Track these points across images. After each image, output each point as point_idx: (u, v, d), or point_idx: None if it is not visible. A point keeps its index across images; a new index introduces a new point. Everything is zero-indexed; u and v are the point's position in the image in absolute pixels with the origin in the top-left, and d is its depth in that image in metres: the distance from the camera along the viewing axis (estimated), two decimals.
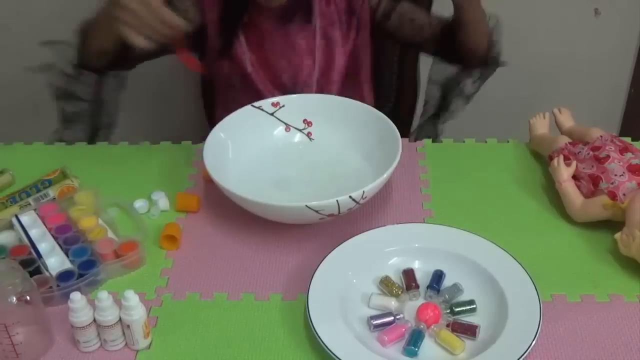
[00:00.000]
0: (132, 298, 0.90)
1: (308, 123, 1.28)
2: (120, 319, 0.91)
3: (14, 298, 0.89)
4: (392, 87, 1.58)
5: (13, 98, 2.07)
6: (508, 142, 1.34)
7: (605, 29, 1.94)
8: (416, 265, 1.03)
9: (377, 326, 0.94)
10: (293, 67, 1.37)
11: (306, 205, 1.01)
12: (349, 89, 1.41)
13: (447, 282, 1.01)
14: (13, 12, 1.93)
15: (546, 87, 2.03)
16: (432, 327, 0.94)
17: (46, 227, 1.10)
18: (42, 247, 1.06)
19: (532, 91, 2.03)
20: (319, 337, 0.90)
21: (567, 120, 1.30)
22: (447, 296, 0.99)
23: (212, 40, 1.39)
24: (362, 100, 1.33)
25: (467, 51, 1.32)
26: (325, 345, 0.89)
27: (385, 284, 1.00)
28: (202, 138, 1.19)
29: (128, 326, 0.91)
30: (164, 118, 2.08)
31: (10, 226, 1.11)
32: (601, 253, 1.07)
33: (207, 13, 1.37)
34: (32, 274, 1.01)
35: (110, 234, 1.09)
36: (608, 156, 1.11)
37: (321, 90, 1.38)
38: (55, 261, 1.04)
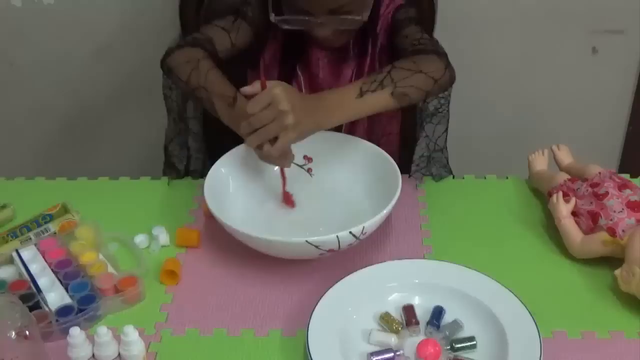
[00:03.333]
0: (131, 333, 0.90)
1: (308, 159, 1.29)
2: (119, 355, 0.91)
3: (13, 333, 0.88)
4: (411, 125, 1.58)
5: (19, 134, 2.08)
6: (507, 178, 1.34)
7: (604, 66, 1.95)
8: (416, 301, 1.03)
9: None
10: None
11: (306, 241, 1.01)
12: (377, 123, 1.43)
13: (447, 318, 1.01)
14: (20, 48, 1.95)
15: (545, 124, 2.04)
16: None
17: (46, 261, 1.10)
18: (42, 281, 1.06)
19: (531, 128, 2.04)
20: None
21: (565, 157, 1.31)
22: (447, 332, 0.98)
23: (268, 66, 1.41)
24: (390, 137, 1.36)
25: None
26: None
27: (386, 320, 1.00)
28: (203, 173, 1.19)
29: None
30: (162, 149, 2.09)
31: (11, 261, 1.11)
32: (601, 289, 1.07)
33: (269, 47, 1.39)
34: (31, 308, 1.01)
35: (110, 269, 1.09)
36: (607, 193, 1.12)
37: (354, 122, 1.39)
38: (55, 296, 1.04)
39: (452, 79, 1.23)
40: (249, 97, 1.09)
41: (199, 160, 1.36)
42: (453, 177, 1.34)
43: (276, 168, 1.22)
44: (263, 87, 1.08)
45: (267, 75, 1.39)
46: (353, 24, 1.25)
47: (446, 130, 1.32)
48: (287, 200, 1.23)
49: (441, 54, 1.23)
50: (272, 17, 1.25)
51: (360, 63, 1.39)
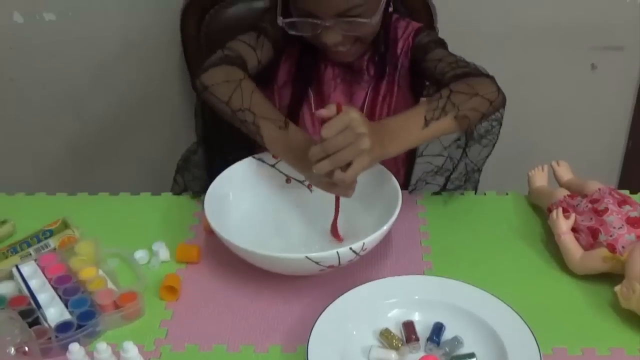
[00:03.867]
0: (130, 350, 0.90)
1: None
2: None
3: (13, 349, 0.88)
4: None
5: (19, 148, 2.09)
6: (507, 194, 1.35)
7: (603, 83, 1.96)
8: (416, 317, 1.03)
9: None
10: None
11: (306, 257, 1.01)
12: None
13: (447, 335, 1.00)
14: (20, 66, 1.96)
15: (545, 140, 2.05)
16: None
17: (46, 277, 1.10)
18: (42, 297, 1.06)
19: (531, 144, 2.04)
20: None
21: (565, 172, 1.31)
22: (447, 349, 0.98)
23: (281, 86, 1.40)
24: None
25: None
26: None
27: (385, 337, 1.00)
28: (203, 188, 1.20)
29: None
30: (165, 168, 2.10)
31: (11, 276, 1.11)
32: (601, 306, 1.07)
33: (282, 67, 1.39)
34: (31, 324, 1.00)
35: (110, 285, 1.09)
36: (606, 209, 1.12)
37: None
38: (55, 312, 1.04)
39: (504, 100, 1.23)
40: (322, 120, 1.05)
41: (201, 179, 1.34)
42: (462, 194, 1.34)
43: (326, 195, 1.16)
44: (339, 110, 1.04)
45: (280, 94, 1.40)
46: (362, 28, 1.23)
47: (491, 153, 1.30)
48: (335, 234, 1.18)
49: (491, 77, 1.23)
50: (280, 21, 1.24)
51: (375, 85, 1.38)
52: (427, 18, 1.55)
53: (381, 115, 1.39)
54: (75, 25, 1.86)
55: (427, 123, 1.13)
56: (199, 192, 1.31)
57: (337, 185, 1.07)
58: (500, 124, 1.27)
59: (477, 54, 1.90)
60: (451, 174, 1.29)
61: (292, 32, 1.25)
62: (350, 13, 1.20)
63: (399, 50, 1.36)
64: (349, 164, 1.04)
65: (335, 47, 1.26)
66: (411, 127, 1.13)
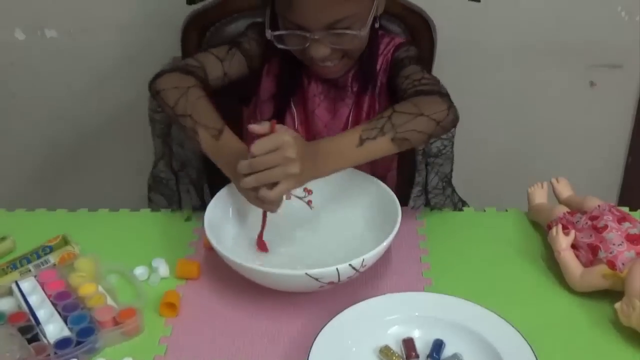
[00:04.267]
0: None
1: (308, 191, 1.29)
2: None
3: None
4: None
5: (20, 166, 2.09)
6: (507, 211, 1.35)
7: (602, 100, 1.97)
8: (416, 334, 1.03)
9: None
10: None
11: (306, 273, 1.01)
12: (381, 165, 1.42)
13: (447, 352, 1.00)
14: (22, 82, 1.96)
15: (544, 157, 2.05)
16: None
17: (46, 293, 1.09)
18: (41, 314, 1.06)
19: (530, 161, 2.05)
20: None
21: (565, 189, 1.32)
22: None
23: (262, 103, 1.40)
24: (384, 167, 1.37)
25: None
26: None
27: (385, 354, 0.99)
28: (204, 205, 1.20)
29: None
30: None
31: (10, 292, 1.11)
32: (601, 323, 1.07)
33: (263, 82, 1.39)
34: (30, 340, 1.00)
35: (109, 301, 1.09)
36: (606, 226, 1.12)
37: None
38: (54, 328, 1.03)
39: (455, 120, 1.20)
40: (239, 132, 1.07)
41: (186, 190, 1.36)
42: (462, 208, 1.34)
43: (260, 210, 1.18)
44: (272, 129, 1.05)
45: (261, 110, 1.40)
46: (351, 41, 1.22)
47: (451, 170, 1.31)
48: (262, 246, 1.20)
49: (443, 95, 1.21)
50: (269, 34, 1.24)
51: (358, 101, 1.38)
52: (427, 36, 1.56)
53: None
54: (76, 42, 1.87)
55: (361, 142, 1.12)
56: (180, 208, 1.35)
57: (268, 202, 1.09)
58: (452, 144, 1.27)
59: (477, 72, 1.92)
60: (425, 187, 1.30)
61: (281, 46, 1.26)
62: (339, 25, 1.19)
63: (378, 67, 1.36)
64: (275, 183, 1.05)
65: (322, 62, 1.25)
66: (346, 147, 1.13)
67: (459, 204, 1.35)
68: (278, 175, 1.04)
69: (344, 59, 1.27)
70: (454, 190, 1.35)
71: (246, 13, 1.59)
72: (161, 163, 1.35)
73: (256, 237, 1.19)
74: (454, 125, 1.21)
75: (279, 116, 1.38)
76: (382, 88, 1.37)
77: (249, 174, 1.05)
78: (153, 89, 1.24)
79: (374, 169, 1.36)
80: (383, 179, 1.28)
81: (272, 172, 1.04)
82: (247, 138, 1.29)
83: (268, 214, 1.16)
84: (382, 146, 1.13)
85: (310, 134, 1.39)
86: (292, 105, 1.39)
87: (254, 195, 1.09)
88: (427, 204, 1.34)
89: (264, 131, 1.05)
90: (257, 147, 1.03)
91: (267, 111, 1.40)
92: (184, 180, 1.36)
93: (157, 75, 1.25)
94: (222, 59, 1.31)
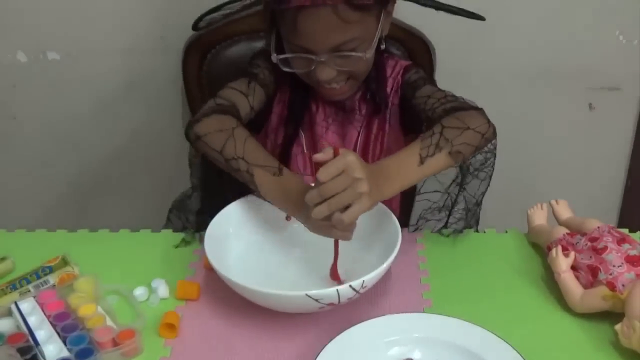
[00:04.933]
0: None
1: None
2: None
3: None
4: None
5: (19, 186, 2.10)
6: (506, 232, 1.35)
7: (601, 122, 1.98)
8: (416, 355, 1.03)
9: None
10: None
11: (306, 294, 1.01)
12: None
13: None
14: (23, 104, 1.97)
15: (543, 179, 2.06)
16: None
17: (45, 314, 1.09)
18: (40, 334, 1.05)
19: (530, 183, 2.05)
20: None
21: (564, 211, 1.32)
22: None
23: (274, 129, 1.41)
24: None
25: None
26: None
27: None
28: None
29: None
30: (165, 205, 2.10)
31: (10, 313, 1.11)
32: (602, 344, 1.06)
33: (275, 109, 1.40)
34: None
35: (108, 322, 1.08)
36: (606, 247, 1.12)
37: None
38: (53, 349, 1.03)
39: (495, 132, 1.24)
40: (318, 164, 1.04)
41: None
42: (462, 232, 1.34)
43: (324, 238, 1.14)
44: (336, 154, 1.04)
45: (274, 136, 1.40)
46: (356, 63, 1.23)
47: (489, 185, 1.30)
48: (336, 275, 1.17)
49: (479, 109, 1.24)
50: (274, 58, 1.25)
51: (367, 124, 1.39)
52: (427, 59, 1.57)
53: (374, 154, 1.39)
54: (78, 65, 1.88)
55: (422, 160, 1.13)
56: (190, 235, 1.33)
57: (336, 229, 1.07)
58: (495, 155, 1.28)
59: (476, 95, 1.92)
60: (451, 209, 1.29)
61: (286, 69, 1.26)
62: (345, 47, 1.20)
63: (388, 89, 1.37)
64: (347, 207, 1.03)
65: (328, 84, 1.26)
66: (407, 166, 1.13)
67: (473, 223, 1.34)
68: (349, 198, 1.02)
69: (349, 80, 1.29)
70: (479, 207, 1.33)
71: (246, 36, 1.61)
72: (194, 197, 1.32)
73: (330, 267, 1.16)
74: (495, 137, 1.25)
75: (289, 143, 1.38)
76: (393, 110, 1.38)
77: (319, 203, 1.03)
78: (193, 135, 1.21)
79: None
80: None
81: (342, 195, 1.02)
82: None
83: (340, 242, 1.14)
84: (440, 162, 1.15)
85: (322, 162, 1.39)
86: (301, 131, 1.39)
87: (326, 226, 1.07)
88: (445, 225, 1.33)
89: (328, 157, 1.04)
90: (323, 173, 1.01)
91: (277, 138, 1.40)
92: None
93: (195, 121, 1.22)
94: (246, 94, 1.30)
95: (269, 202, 1.19)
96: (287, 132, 1.39)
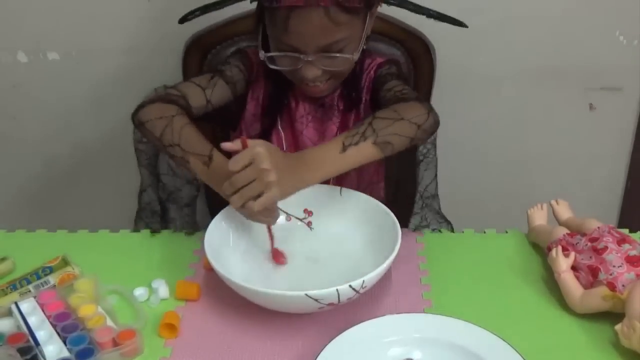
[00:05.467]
0: None
1: (308, 213, 1.29)
2: None
3: None
4: (394, 173, 1.59)
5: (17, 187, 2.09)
6: (507, 232, 1.35)
7: (601, 123, 1.98)
8: (416, 355, 1.03)
9: None
10: None
11: (306, 294, 1.01)
12: (364, 172, 1.44)
13: None
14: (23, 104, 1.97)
15: (544, 179, 2.06)
16: None
17: (45, 314, 1.09)
18: (40, 334, 1.05)
19: (530, 183, 2.05)
20: None
21: (564, 211, 1.32)
22: None
23: (248, 125, 1.42)
24: (376, 186, 1.38)
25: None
26: None
27: None
28: (204, 226, 1.20)
29: None
30: None
31: (10, 313, 1.11)
32: (602, 344, 1.06)
33: (248, 106, 1.41)
34: None
35: (109, 322, 1.08)
36: (606, 247, 1.12)
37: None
38: (53, 349, 1.03)
39: (436, 123, 1.23)
40: (229, 154, 1.10)
41: (184, 216, 1.36)
42: (452, 230, 1.35)
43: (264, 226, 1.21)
44: (244, 145, 1.08)
45: (248, 133, 1.41)
46: (343, 63, 1.26)
47: (435, 176, 1.31)
48: (277, 257, 1.22)
49: (422, 100, 1.24)
50: (262, 55, 1.27)
51: (344, 119, 1.40)
52: (427, 59, 1.57)
53: None
54: (78, 65, 1.88)
55: (344, 149, 1.14)
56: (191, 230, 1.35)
57: (260, 214, 1.11)
58: (435, 147, 1.29)
59: (477, 95, 1.93)
60: (413, 205, 1.32)
61: (272, 66, 1.28)
62: (333, 48, 1.22)
63: (362, 84, 1.39)
64: (259, 195, 1.07)
65: (313, 82, 1.28)
66: (329, 154, 1.14)
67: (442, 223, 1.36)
68: (257, 188, 1.07)
69: (330, 79, 1.31)
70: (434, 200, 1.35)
71: (246, 37, 1.61)
72: (148, 192, 1.37)
73: (269, 250, 1.21)
74: (436, 128, 1.24)
75: (266, 137, 1.40)
76: (366, 105, 1.40)
77: (234, 193, 1.08)
78: (137, 121, 1.25)
79: (360, 180, 1.38)
80: (370, 191, 1.30)
81: (251, 186, 1.07)
82: None
83: (273, 227, 1.19)
84: (365, 151, 1.15)
85: (295, 147, 1.42)
86: (280, 128, 1.41)
87: (245, 213, 1.12)
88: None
89: (236, 147, 1.08)
90: (232, 163, 1.07)
91: (254, 134, 1.42)
92: (173, 207, 1.37)
93: (140, 107, 1.26)
94: (204, 87, 1.32)
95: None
96: (262, 127, 1.41)
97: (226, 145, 1.10)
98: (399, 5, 1.34)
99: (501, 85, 1.91)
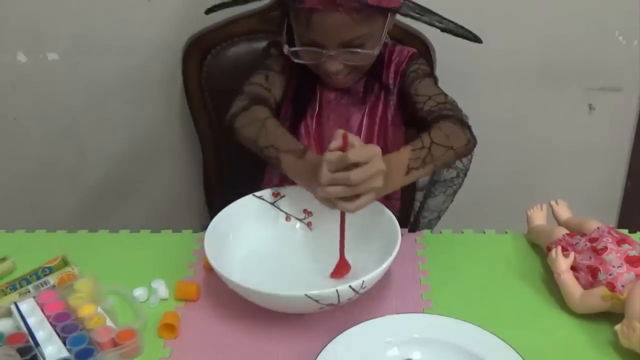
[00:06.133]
0: None
1: (308, 213, 1.29)
2: None
3: None
4: None
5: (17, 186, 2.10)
6: (506, 233, 1.35)
7: (601, 123, 1.98)
8: (416, 355, 1.03)
9: None
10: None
11: (306, 295, 1.01)
12: None
13: None
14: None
15: (543, 179, 2.06)
16: None
17: (45, 314, 1.09)
18: (40, 335, 1.05)
19: (529, 183, 2.05)
20: None
21: (564, 212, 1.32)
22: None
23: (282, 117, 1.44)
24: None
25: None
26: None
27: None
28: (203, 226, 1.20)
29: None
30: (165, 206, 2.10)
31: (9, 313, 1.11)
32: (602, 345, 1.06)
33: (285, 94, 1.43)
34: None
35: (108, 322, 1.08)
36: (605, 247, 1.12)
37: None
38: (52, 349, 1.03)
39: (470, 151, 1.28)
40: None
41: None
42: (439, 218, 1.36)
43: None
44: (345, 139, 1.09)
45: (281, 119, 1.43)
46: (364, 58, 1.29)
47: (452, 202, 1.36)
48: (341, 268, 1.19)
49: (465, 126, 1.27)
50: (286, 50, 1.30)
51: (371, 108, 1.42)
52: (426, 59, 1.57)
53: (379, 138, 1.42)
54: (78, 65, 1.88)
55: (408, 171, 1.17)
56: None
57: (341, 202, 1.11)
58: (465, 175, 1.34)
59: (476, 95, 1.93)
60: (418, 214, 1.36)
61: (297, 60, 1.31)
62: (354, 43, 1.25)
63: (391, 74, 1.40)
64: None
65: (335, 75, 1.31)
66: (397, 172, 1.17)
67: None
68: (364, 189, 1.08)
69: (352, 72, 1.33)
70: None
71: (246, 37, 1.61)
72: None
73: (329, 264, 1.19)
74: (466, 155, 1.29)
75: (296, 125, 1.42)
76: (392, 94, 1.42)
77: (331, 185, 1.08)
78: (233, 127, 1.28)
79: None
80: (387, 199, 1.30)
81: (361, 186, 1.07)
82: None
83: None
84: (421, 174, 1.20)
85: (325, 141, 1.42)
86: (307, 114, 1.43)
87: (331, 205, 1.13)
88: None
89: (338, 144, 1.10)
90: (354, 153, 1.07)
91: (284, 121, 1.43)
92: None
93: (233, 115, 1.29)
94: (268, 89, 1.35)
95: (273, 193, 1.28)
96: (295, 113, 1.43)
97: (332, 145, 1.10)
98: (428, 22, 1.37)
99: (501, 86, 1.91)
